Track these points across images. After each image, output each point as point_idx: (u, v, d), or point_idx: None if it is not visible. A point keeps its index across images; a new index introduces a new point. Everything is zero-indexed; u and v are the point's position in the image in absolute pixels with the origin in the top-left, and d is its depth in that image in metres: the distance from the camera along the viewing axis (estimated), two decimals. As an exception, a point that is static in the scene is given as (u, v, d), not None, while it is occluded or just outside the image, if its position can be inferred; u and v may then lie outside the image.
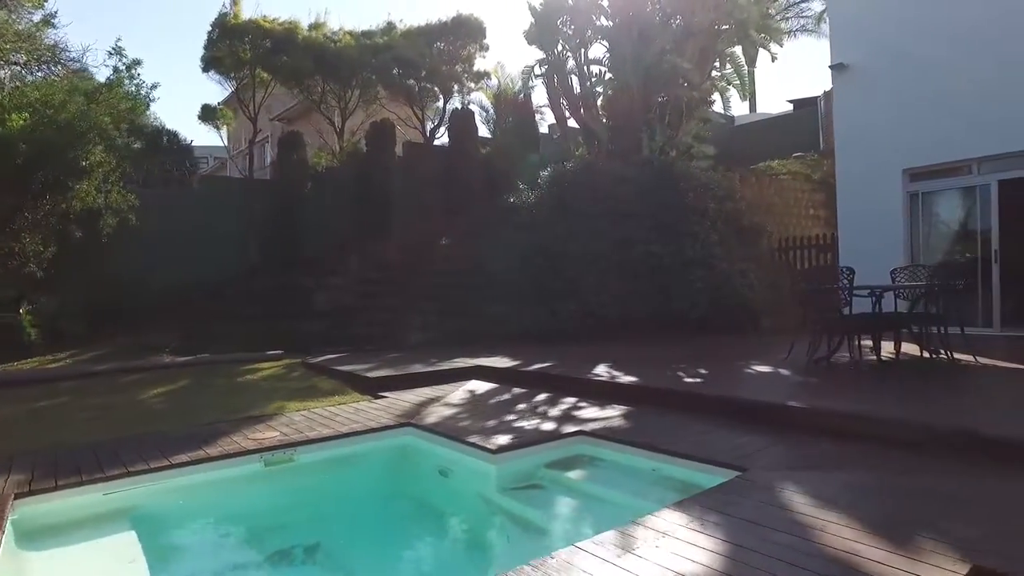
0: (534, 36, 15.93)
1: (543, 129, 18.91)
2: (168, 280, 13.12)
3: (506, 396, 7.24)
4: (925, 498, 3.41)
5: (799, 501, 3.49)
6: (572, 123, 15.90)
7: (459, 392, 7.54)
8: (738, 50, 15.91)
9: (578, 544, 3.08)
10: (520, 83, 17.70)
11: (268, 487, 5.22)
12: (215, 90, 15.20)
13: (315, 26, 16.06)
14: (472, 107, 18.06)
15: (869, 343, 7.62)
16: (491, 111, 18.38)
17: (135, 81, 11.63)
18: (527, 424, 5.78)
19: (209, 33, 14.56)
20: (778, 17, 27.23)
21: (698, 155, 15.98)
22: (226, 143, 27.06)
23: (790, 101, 24.24)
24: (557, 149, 16.93)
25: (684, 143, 15.58)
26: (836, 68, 11.91)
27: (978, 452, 3.96)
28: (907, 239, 11.15)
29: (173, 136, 20.87)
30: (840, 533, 3.04)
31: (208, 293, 13.33)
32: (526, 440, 5.24)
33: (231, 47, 14.46)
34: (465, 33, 17.07)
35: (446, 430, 5.65)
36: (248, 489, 5.14)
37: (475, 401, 7.04)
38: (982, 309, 10.39)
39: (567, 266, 11.58)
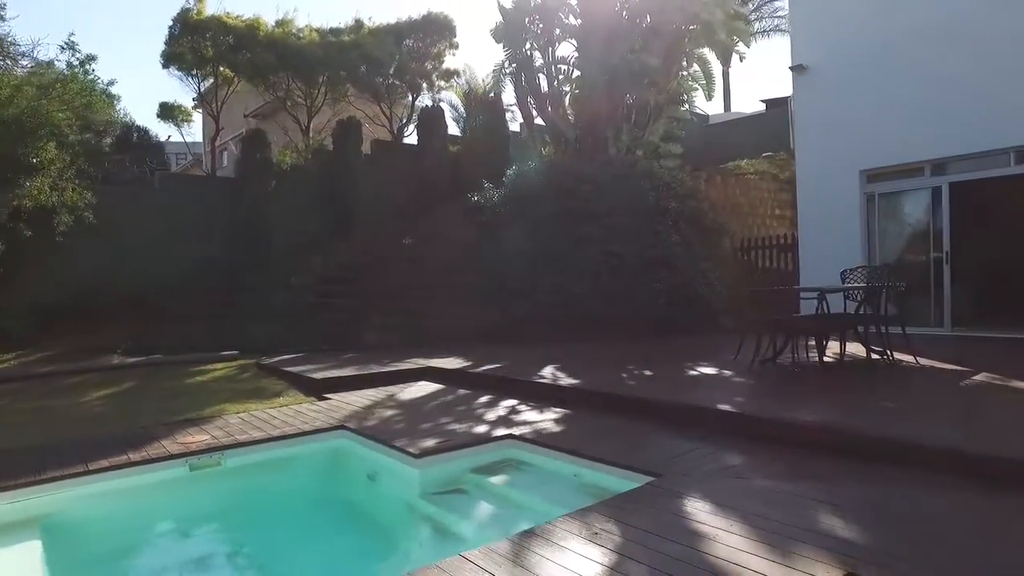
0: (502, 35, 15.85)
1: (514, 128, 18.85)
2: (126, 279, 12.93)
3: (449, 398, 7.20)
4: (829, 506, 3.39)
5: (701, 509, 3.48)
6: (540, 122, 15.84)
7: (404, 394, 7.49)
8: (705, 50, 16.00)
9: (465, 554, 3.05)
10: (491, 81, 17.62)
11: (192, 492, 5.15)
12: (190, 87, 14.84)
13: (281, 23, 15.88)
14: (442, 105, 17.99)
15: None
16: (461, 109, 18.29)
17: (89, 77, 11.41)
18: (461, 427, 5.74)
19: (170, 28, 14.34)
20: (752, 17, 27.52)
21: (665, 154, 16.04)
22: (203, 140, 26.82)
23: (763, 101, 24.35)
24: (528, 148, 16.88)
25: (651, 142, 15.63)
26: (796, 69, 11.95)
27: (897, 459, 3.96)
28: (864, 240, 11.22)
29: (143, 133, 20.62)
30: (729, 542, 3.03)
31: (168, 293, 13.15)
32: (454, 444, 5.20)
33: (193, 43, 14.24)
34: (435, 31, 16.98)
35: (377, 433, 5.60)
36: (171, 495, 5.06)
37: (417, 403, 6.99)
38: (934, 310, 10.49)
39: (526, 266, 11.54)
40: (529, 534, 3.26)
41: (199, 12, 14.50)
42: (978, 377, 6.26)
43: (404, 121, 17.69)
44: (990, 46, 9.57)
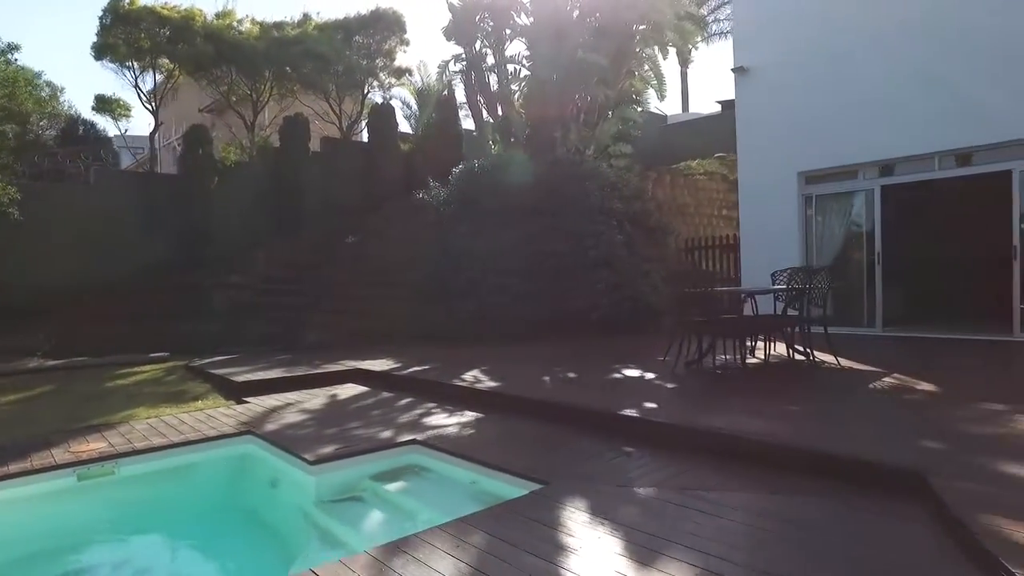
0: (452, 32, 15.70)
1: (468, 125, 18.70)
2: (58, 278, 12.50)
3: (369, 401, 7.07)
4: (710, 518, 3.34)
5: (577, 519, 3.41)
6: (490, 120, 15.71)
7: (323, 397, 7.33)
8: (656, 51, 16.03)
9: (316, 568, 2.94)
10: (445, 79, 17.44)
11: (80, 503, 4.94)
12: (126, 80, 14.20)
13: (221, 15, 15.49)
14: (395, 102, 17.77)
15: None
16: (414, 107, 18.09)
17: (11, 67, 10.95)
18: (370, 432, 5.62)
19: (100, 19, 13.84)
20: (710, 19, 27.76)
21: (615, 154, 16.08)
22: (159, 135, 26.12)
23: (719, 102, 24.55)
24: (479, 146, 16.76)
25: (602, 142, 15.64)
26: (737, 71, 12.04)
27: (783, 465, 3.94)
28: (803, 241, 11.34)
29: (90, 126, 19.98)
30: (593, 555, 2.97)
31: (104, 292, 12.76)
32: (354, 450, 5.08)
33: (126, 34, 13.76)
34: (384, 27, 16.75)
35: (281, 439, 5.45)
36: (54, 507, 4.85)
37: (336, 406, 6.84)
38: (866, 310, 10.65)
39: (469, 265, 11.44)
40: (391, 546, 3.17)
41: (132, 2, 14.01)
42: (887, 379, 6.32)
43: (354, 118, 17.42)
44: (924, 53, 9.72)
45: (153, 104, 14.91)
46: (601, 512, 3.48)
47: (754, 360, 7.74)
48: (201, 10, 14.90)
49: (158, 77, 15.13)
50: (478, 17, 15.63)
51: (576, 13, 15.00)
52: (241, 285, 12.82)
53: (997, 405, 5.02)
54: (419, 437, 5.31)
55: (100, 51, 13.81)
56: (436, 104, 17.55)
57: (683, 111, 28.90)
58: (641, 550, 2.99)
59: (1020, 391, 5.94)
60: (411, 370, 8.18)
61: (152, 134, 14.87)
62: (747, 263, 11.92)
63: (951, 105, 9.49)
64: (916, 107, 9.82)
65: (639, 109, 20.36)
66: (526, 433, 5.36)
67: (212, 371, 8.76)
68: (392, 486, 4.83)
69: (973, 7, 9.32)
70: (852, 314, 10.88)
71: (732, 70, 12.11)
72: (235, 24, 15.56)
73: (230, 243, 13.96)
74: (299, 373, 8.40)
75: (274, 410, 6.67)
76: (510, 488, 4.22)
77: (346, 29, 16.60)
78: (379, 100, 17.53)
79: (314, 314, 12.18)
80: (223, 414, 6.56)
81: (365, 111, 17.26)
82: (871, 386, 6.03)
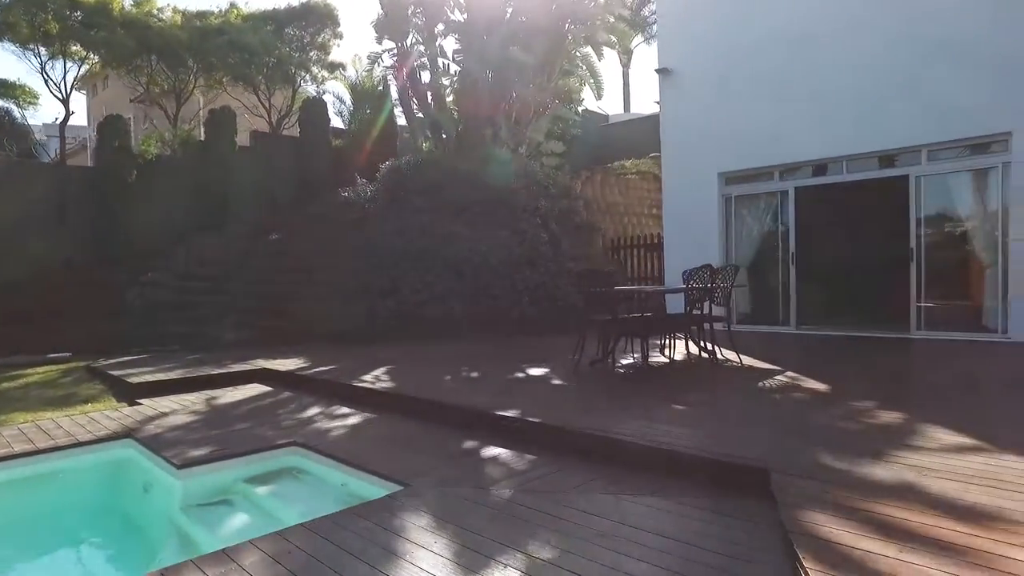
0: (383, 26, 15.49)
1: (403, 122, 18.49)
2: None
3: (265, 402, 6.88)
4: (558, 522, 3.32)
5: (420, 524, 3.34)
6: (421, 117, 15.54)
7: (224, 398, 7.10)
8: (590, 50, 16.14)
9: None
10: (378, 74, 17.21)
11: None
12: (32, 65, 13.35)
13: (139, 2, 14.90)
14: (328, 97, 17.43)
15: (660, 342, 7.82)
16: (348, 102, 17.81)
17: None
18: (255, 433, 5.46)
19: (-2, -6, 12.98)
20: (651, 20, 28.09)
21: (548, 152, 16.12)
22: (88, 124, 25.05)
23: (657, 102, 24.86)
24: (410, 143, 16.58)
25: (534, 141, 15.65)
26: (661, 72, 12.19)
27: (655, 467, 3.94)
28: (722, 240, 11.56)
29: (4, 113, 19.02)
30: (420, 563, 2.90)
31: (4, 290, 12.12)
32: (230, 452, 4.92)
33: (30, 14, 12.96)
34: (316, 20, 16.40)
35: (156, 443, 5.24)
36: None
37: (227, 408, 6.63)
38: (781, 309, 10.91)
39: (392, 263, 11.29)
40: (218, 555, 3.05)
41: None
42: (780, 377, 6.46)
43: (283, 112, 17.01)
44: (840, 57, 9.99)
45: (63, 92, 14.25)
46: (449, 516, 3.43)
47: (661, 359, 7.83)
48: (118, -4, 14.29)
49: (70, 64, 14.43)
50: (410, 11, 15.46)
51: (509, 10, 14.97)
52: (158, 283, 12.38)
53: (868, 402, 5.16)
54: (299, 439, 5.18)
55: (-1, 30, 13.01)
56: (370, 99, 17.29)
57: (624, 111, 29.21)
58: (472, 556, 2.93)
59: (896, 388, 6.14)
60: (316, 370, 8.00)
61: (62, 124, 14.17)
62: (670, 262, 12.08)
63: (858, 111, 9.80)
64: (826, 112, 10.11)
65: (579, 108, 20.53)
66: (408, 434, 5.28)
67: (110, 372, 8.42)
68: (264, 489, 4.69)
69: (884, 18, 9.63)
70: (769, 313, 11.15)
71: (656, 71, 12.26)
72: (155, 12, 14.97)
73: (149, 239, 13.46)
74: (202, 373, 8.13)
75: (164, 412, 6.43)
76: (376, 490, 4.14)
77: (276, 21, 16.20)
78: (312, 94, 17.13)
79: (233, 313, 11.84)
80: (107, 417, 6.29)
81: (297, 105, 16.86)
82: (761, 385, 6.14)
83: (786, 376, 6.49)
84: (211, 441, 5.23)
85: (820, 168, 10.56)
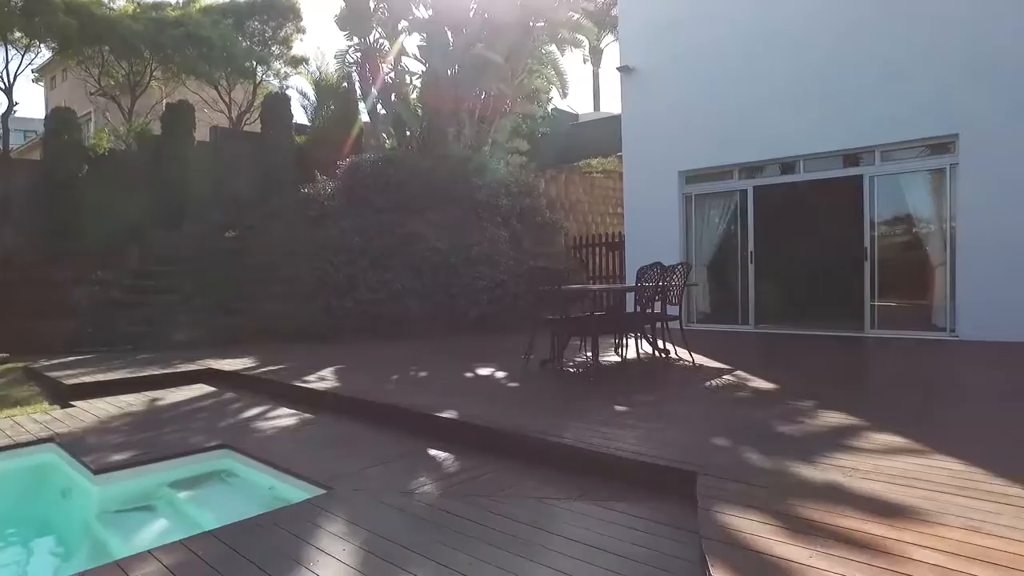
0: (346, 21, 15.28)
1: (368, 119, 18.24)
2: None
3: (206, 403, 6.68)
4: (478, 528, 3.22)
5: (334, 531, 3.22)
6: (384, 114, 15.34)
7: (166, 399, 6.88)
8: (555, 49, 16.07)
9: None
10: (343, 70, 16.92)
11: None
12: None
13: (84, -12, 14.44)
14: (291, 92, 17.10)
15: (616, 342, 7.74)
16: (312, 97, 17.50)
17: None
18: (188, 435, 5.27)
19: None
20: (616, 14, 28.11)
21: (512, 151, 16.01)
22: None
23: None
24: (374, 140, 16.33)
25: (499, 139, 15.53)
26: (623, 70, 12.15)
27: (593, 470, 3.85)
28: (683, 239, 11.56)
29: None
30: (322, 569, 2.77)
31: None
32: (155, 456, 4.74)
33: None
34: (279, 13, 16.09)
35: (80, 447, 5.02)
36: None
37: (165, 409, 6.41)
38: (740, 308, 10.94)
39: (350, 261, 11.09)
40: (111, 567, 2.89)
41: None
42: (728, 376, 6.43)
43: (244, 107, 16.66)
44: (797, 58, 10.05)
45: (6, 82, 13.73)
46: (365, 521, 3.31)
47: (614, 358, 7.76)
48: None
49: (13, 53, 13.89)
50: (373, 6, 15.26)
51: (473, 8, 14.84)
52: (108, 281, 12.00)
53: (809, 402, 5.14)
54: (231, 441, 5.00)
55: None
56: (334, 95, 17.03)
57: (594, 110, 29.24)
58: (378, 564, 2.82)
59: (839, 387, 6.14)
60: (263, 370, 7.80)
61: (5, 116, 13.67)
62: (631, 261, 12.04)
63: (815, 112, 9.86)
64: (784, 112, 10.16)
65: (548, 107, 20.46)
66: (344, 435, 5.14)
67: (46, 374, 8.11)
68: (188, 494, 4.52)
69: (840, 21, 9.70)
70: (728, 312, 11.18)
71: (617, 69, 12.22)
72: (106, 1, 14.53)
73: (101, 236, 13.05)
74: (146, 374, 7.87)
75: (97, 415, 6.19)
76: (300, 493, 4.01)
77: (236, 14, 15.84)
78: (274, 89, 16.81)
79: (186, 312, 11.54)
80: (34, 421, 6.02)
81: (259, 101, 16.52)
82: (707, 384, 6.09)
83: (734, 376, 6.46)
84: (139, 444, 5.03)
85: (778, 168, 10.60)
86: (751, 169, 10.83)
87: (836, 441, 3.97)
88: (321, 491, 3.84)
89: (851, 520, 2.74)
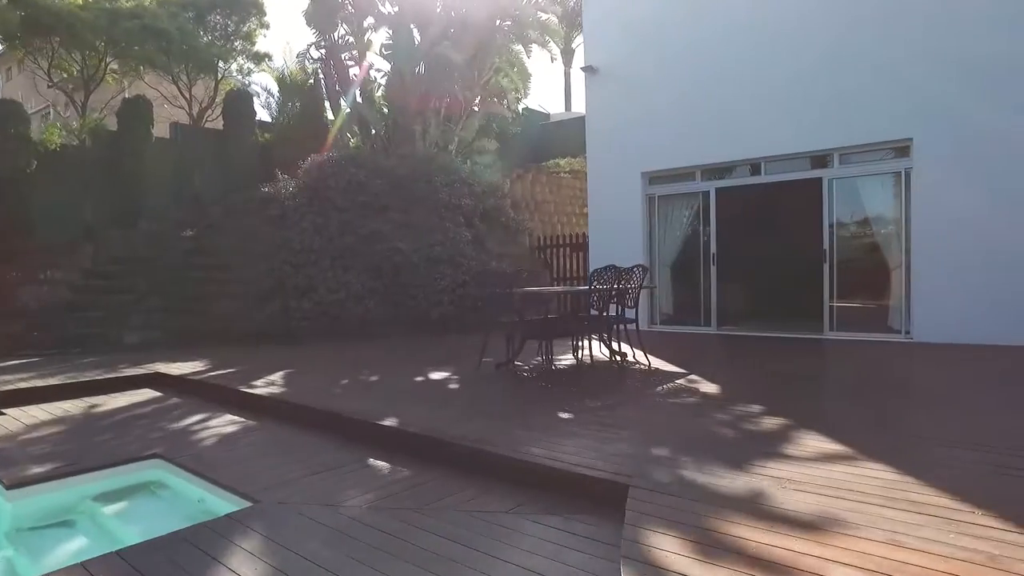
0: (312, 17, 15.04)
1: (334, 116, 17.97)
2: None
3: (147, 409, 6.46)
4: (399, 544, 3.11)
5: (245, 546, 3.07)
6: (348, 112, 15.11)
7: (106, 405, 6.64)
8: (521, 48, 15.98)
9: None
10: (308, 67, 16.67)
11: None
12: None
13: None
14: (255, 89, 16.80)
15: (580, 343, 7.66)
16: (276, 94, 17.19)
17: None
18: (121, 445, 5.08)
19: None
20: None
21: (480, 150, 15.90)
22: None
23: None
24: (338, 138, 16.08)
25: (466, 138, 15.41)
26: (587, 70, 12.10)
27: (527, 481, 3.75)
28: (646, 240, 11.54)
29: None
30: (231, 587, 2.64)
31: None
32: (80, 468, 4.53)
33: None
34: (241, 8, 15.76)
35: None
36: None
37: (100, 417, 6.18)
38: (703, 309, 10.95)
39: (310, 261, 10.89)
40: (3, 591, 2.72)
41: None
42: (681, 380, 6.39)
43: (205, 103, 16.30)
44: (757, 62, 10.07)
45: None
46: (283, 537, 3.17)
47: (570, 361, 7.68)
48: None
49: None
50: (341, 1, 15.04)
51: (440, 5, 14.71)
52: (57, 281, 11.66)
53: (755, 407, 5.10)
54: (164, 451, 4.82)
55: None
56: (300, 93, 16.74)
57: (566, 109, 29.21)
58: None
59: (789, 391, 6.13)
60: (212, 373, 7.60)
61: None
62: (595, 262, 11.96)
63: (774, 115, 9.90)
64: (744, 115, 10.19)
65: (519, 107, 20.38)
66: (284, 443, 4.99)
67: (-17, 378, 7.81)
68: (114, 508, 4.34)
69: (797, 27, 9.75)
70: (691, 313, 11.19)
71: (582, 69, 12.17)
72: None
73: (52, 235, 12.66)
74: (87, 379, 7.62)
75: (28, 423, 5.95)
76: (228, 506, 3.85)
77: (196, 7, 15.48)
78: (237, 85, 16.47)
79: (140, 313, 11.24)
80: (-42, 429, 5.77)
81: (220, 97, 16.18)
82: (658, 389, 6.04)
83: (686, 380, 6.42)
84: (65, 455, 4.82)
85: (739, 169, 10.64)
86: (713, 171, 10.85)
87: (775, 449, 3.92)
88: (247, 504, 3.69)
89: (775, 536, 2.68)
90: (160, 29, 13.70)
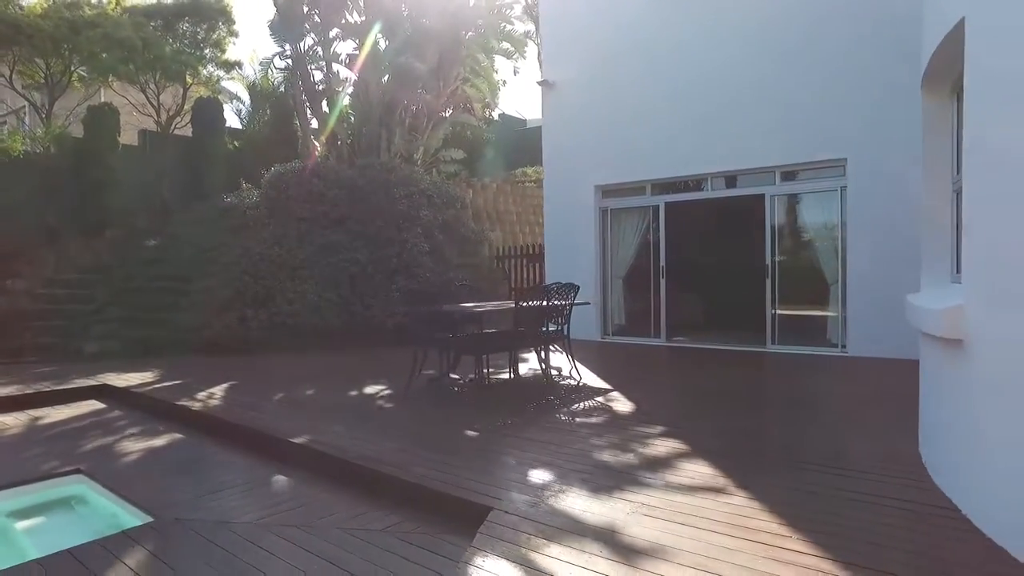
0: (278, 27, 15.17)
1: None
2: None
3: (85, 423, 6.64)
4: (264, 553, 3.34)
5: (131, 562, 3.30)
6: (314, 121, 15.30)
7: (48, 418, 6.83)
8: (487, 58, 16.22)
9: None
10: (273, 76, 16.82)
11: None
12: None
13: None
14: (224, 97, 16.92)
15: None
16: (247, 102, 17.35)
17: None
18: (44, 459, 5.27)
19: None
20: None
21: (445, 160, 16.12)
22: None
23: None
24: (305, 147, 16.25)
25: (431, 147, 15.62)
26: (543, 84, 12.36)
27: (416, 497, 4.00)
28: (599, 252, 11.80)
29: None
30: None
31: None
32: (5, 483, 4.74)
33: None
34: (209, 16, 15.91)
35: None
36: None
37: (38, 430, 6.36)
38: (653, 322, 11.21)
39: (268, 272, 11.08)
40: None
41: None
42: (599, 398, 6.62)
43: (173, 111, 16.45)
44: (706, 81, 10.34)
45: None
46: (168, 554, 3.40)
47: (503, 376, 7.86)
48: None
49: None
50: (306, 9, 15.17)
51: (405, 14, 14.90)
52: (16, 290, 11.79)
53: (656, 427, 5.35)
54: (90, 465, 5.03)
55: None
56: (269, 101, 16.91)
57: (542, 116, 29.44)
58: None
59: (699, 410, 6.38)
60: (157, 386, 7.79)
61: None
62: (551, 273, 12.26)
63: (720, 132, 10.18)
64: (692, 132, 10.46)
65: (495, 113, 20.63)
66: (200, 458, 5.22)
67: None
68: (28, 523, 4.54)
69: (738, 51, 10.04)
70: (641, 325, 11.44)
71: (538, 83, 12.42)
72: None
73: (12, 243, 12.76)
74: (32, 391, 7.79)
75: (-34, 436, 6.14)
76: (135, 521, 4.07)
77: (163, 15, 15.62)
78: (206, 94, 16.62)
79: (98, 323, 11.39)
80: None
81: (189, 105, 16.33)
82: (575, 406, 6.22)
83: (605, 397, 6.64)
84: (-7, 470, 5.03)
85: (686, 184, 10.92)
86: (663, 185, 11.12)
87: (650, 474, 4.12)
88: (148, 519, 3.92)
89: (601, 562, 2.91)
90: (122, 38, 13.81)
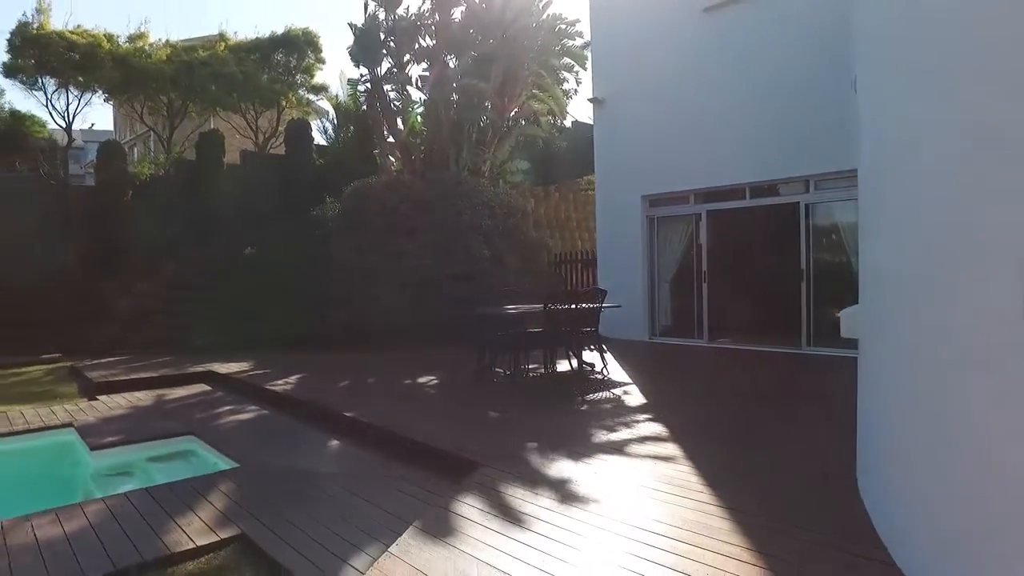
0: (357, 54, 16.82)
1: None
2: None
3: (196, 400, 8.22)
4: (310, 494, 4.57)
5: (222, 489, 4.60)
6: (391, 139, 16.83)
7: (169, 395, 8.48)
8: (553, 74, 17.24)
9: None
10: (357, 98, 18.55)
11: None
12: (38, 98, 15.18)
13: (133, 37, 16.51)
14: (313, 117, 18.83)
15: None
16: (333, 120, 19.21)
17: None
18: (168, 425, 6.79)
19: (9, 40, 14.85)
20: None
21: (512, 171, 17.28)
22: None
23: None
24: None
25: (499, 159, 16.83)
26: (594, 101, 13.28)
27: (425, 456, 5.13)
28: (646, 258, 12.60)
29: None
30: (195, 519, 4.15)
31: (9, 297, 13.54)
32: (133, 438, 6.28)
33: (37, 56, 14.75)
34: (299, 47, 17.85)
35: (87, 431, 6.60)
36: None
37: (162, 404, 7.97)
38: (696, 323, 11.91)
39: (347, 277, 12.60)
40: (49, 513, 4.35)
41: (43, 26, 14.97)
42: (616, 391, 7.53)
43: (269, 133, 18.51)
44: (741, 98, 10.97)
45: (65, 121, 16.01)
46: (248, 487, 4.68)
47: (541, 371, 8.85)
48: (113, 35, 15.90)
49: (71, 96, 16.16)
50: (383, 36, 16.74)
51: (475, 38, 16.16)
52: (146, 292, 13.91)
53: (650, 415, 6.25)
54: (198, 430, 6.52)
55: (9, 71, 14.86)
56: (352, 120, 18.67)
57: (594, 130, 30.10)
58: (237, 510, 4.18)
59: (700, 404, 7.17)
60: (250, 373, 9.36)
61: (65, 149, 15.95)
62: (602, 277, 13.18)
63: (758, 144, 10.76)
64: (733, 145, 11.08)
65: (569, 121, 21.59)
66: (279, 428, 6.61)
67: (84, 373, 9.88)
68: (159, 466, 6.03)
69: (779, 72, 10.60)
70: (685, 327, 12.16)
71: (589, 100, 13.35)
72: (147, 47, 16.58)
73: (143, 253, 15.00)
74: (158, 374, 9.55)
75: (112, 407, 7.81)
76: (228, 466, 5.44)
77: (261, 49, 17.70)
78: (299, 115, 18.59)
79: (208, 320, 13.30)
80: (64, 410, 7.68)
81: (283, 127, 18.35)
82: (593, 396, 7.15)
83: (623, 390, 7.43)
84: (130, 430, 6.58)
85: (727, 194, 11.55)
86: (705, 194, 11.80)
87: (620, 449, 5.09)
88: (236, 465, 5.27)
89: (544, 500, 3.94)
90: (227, 73, 15.91)
